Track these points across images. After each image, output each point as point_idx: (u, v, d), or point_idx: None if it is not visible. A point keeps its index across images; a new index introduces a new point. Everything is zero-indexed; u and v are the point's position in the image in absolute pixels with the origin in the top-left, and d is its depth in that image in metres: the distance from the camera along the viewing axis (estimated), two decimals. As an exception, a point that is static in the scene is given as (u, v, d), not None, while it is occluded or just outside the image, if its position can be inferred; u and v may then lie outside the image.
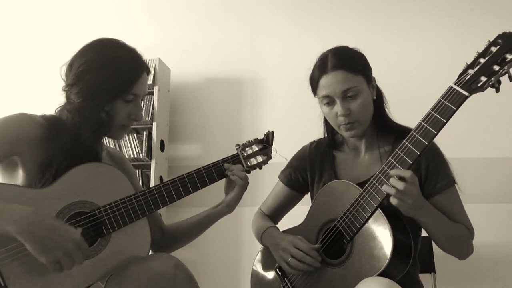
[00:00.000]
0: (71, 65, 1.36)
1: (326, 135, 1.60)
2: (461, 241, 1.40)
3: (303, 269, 1.37)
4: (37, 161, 1.26)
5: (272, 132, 1.51)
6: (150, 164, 2.63)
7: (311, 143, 1.66)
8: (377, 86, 1.49)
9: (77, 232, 1.13)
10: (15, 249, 1.14)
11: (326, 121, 1.56)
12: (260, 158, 1.49)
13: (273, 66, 2.85)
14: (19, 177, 1.27)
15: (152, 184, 2.59)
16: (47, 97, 2.88)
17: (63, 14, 3.13)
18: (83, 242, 1.12)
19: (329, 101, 1.43)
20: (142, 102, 1.44)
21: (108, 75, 1.31)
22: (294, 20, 2.88)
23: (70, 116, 1.30)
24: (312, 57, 2.92)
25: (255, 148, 1.49)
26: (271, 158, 1.51)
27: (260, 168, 1.51)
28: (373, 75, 1.48)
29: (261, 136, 1.53)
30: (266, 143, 1.50)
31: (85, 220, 1.25)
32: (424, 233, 1.51)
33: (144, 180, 2.68)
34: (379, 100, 1.49)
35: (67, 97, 1.35)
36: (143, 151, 2.63)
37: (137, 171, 2.66)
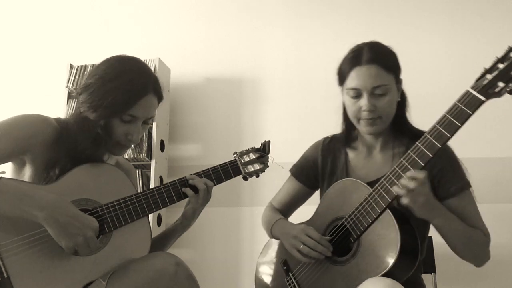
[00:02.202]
0: (87, 76, 1.38)
1: (343, 128, 1.58)
2: (477, 246, 1.37)
3: (315, 257, 1.38)
4: (45, 160, 1.29)
5: (269, 142, 1.55)
6: (150, 164, 2.63)
7: (325, 138, 1.65)
8: (402, 89, 1.48)
9: (95, 220, 1.21)
10: (20, 242, 1.17)
11: (345, 114, 1.54)
12: (257, 166, 1.51)
13: (273, 66, 2.85)
14: (26, 174, 1.30)
15: (152, 184, 2.60)
16: (47, 97, 2.91)
17: (63, 14, 3.13)
18: (97, 231, 1.22)
19: (357, 94, 1.41)
20: (146, 125, 1.41)
21: (108, 91, 1.31)
22: (294, 20, 2.88)
23: (73, 123, 1.34)
24: (312, 57, 2.94)
25: (252, 156, 1.52)
26: (267, 166, 1.54)
27: (257, 176, 1.53)
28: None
29: (261, 139, 1.57)
30: (263, 152, 1.53)
31: (87, 218, 1.27)
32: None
33: (144, 180, 2.68)
34: (402, 102, 1.48)
35: (76, 105, 1.39)
36: (143, 151, 2.63)
37: (137, 171, 2.66)
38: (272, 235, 1.59)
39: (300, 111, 2.75)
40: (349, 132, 1.56)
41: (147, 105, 1.36)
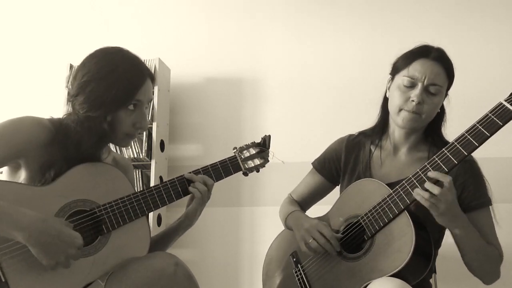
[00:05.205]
0: (75, 76, 1.35)
1: (378, 120, 1.58)
2: (491, 263, 1.39)
3: (321, 253, 1.40)
4: (40, 163, 1.27)
5: (269, 136, 1.53)
6: (150, 164, 2.63)
7: (350, 135, 1.66)
8: (443, 103, 1.50)
9: (79, 237, 1.18)
10: (17, 245, 1.15)
11: (384, 105, 1.55)
12: (257, 161, 1.50)
13: (273, 66, 2.85)
14: (21, 176, 1.29)
15: (152, 185, 2.59)
16: (47, 97, 2.91)
17: (63, 14, 3.13)
18: (81, 247, 1.18)
19: (412, 84, 1.42)
20: (147, 109, 1.43)
21: (109, 85, 1.30)
22: (294, 20, 2.88)
23: (73, 125, 1.31)
24: (312, 57, 2.92)
25: (252, 151, 1.51)
26: (268, 161, 1.53)
27: (258, 171, 1.52)
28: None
29: (260, 137, 1.55)
30: (263, 147, 1.51)
31: (85, 218, 1.26)
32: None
33: (144, 180, 2.68)
34: (440, 114, 1.50)
35: (73, 107, 1.35)
36: (143, 151, 2.63)
37: (137, 171, 2.66)
38: (287, 226, 1.61)
39: (300, 111, 2.75)
40: (383, 124, 1.57)
41: (148, 88, 1.37)
